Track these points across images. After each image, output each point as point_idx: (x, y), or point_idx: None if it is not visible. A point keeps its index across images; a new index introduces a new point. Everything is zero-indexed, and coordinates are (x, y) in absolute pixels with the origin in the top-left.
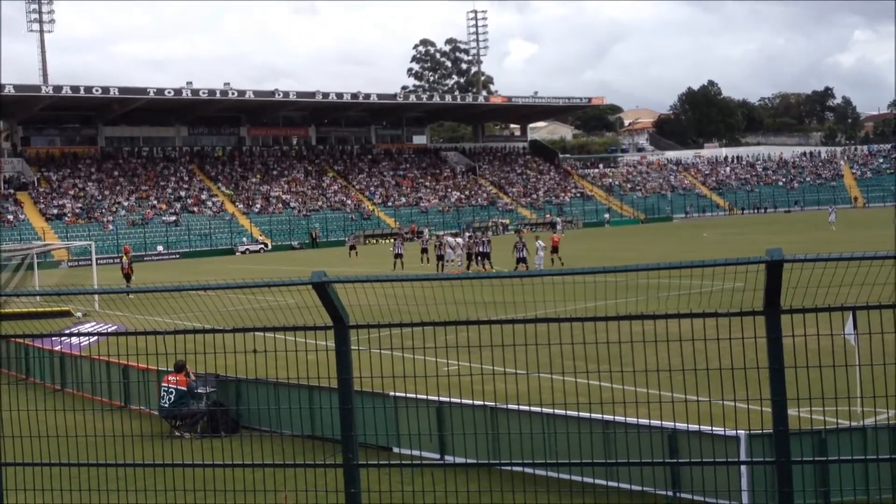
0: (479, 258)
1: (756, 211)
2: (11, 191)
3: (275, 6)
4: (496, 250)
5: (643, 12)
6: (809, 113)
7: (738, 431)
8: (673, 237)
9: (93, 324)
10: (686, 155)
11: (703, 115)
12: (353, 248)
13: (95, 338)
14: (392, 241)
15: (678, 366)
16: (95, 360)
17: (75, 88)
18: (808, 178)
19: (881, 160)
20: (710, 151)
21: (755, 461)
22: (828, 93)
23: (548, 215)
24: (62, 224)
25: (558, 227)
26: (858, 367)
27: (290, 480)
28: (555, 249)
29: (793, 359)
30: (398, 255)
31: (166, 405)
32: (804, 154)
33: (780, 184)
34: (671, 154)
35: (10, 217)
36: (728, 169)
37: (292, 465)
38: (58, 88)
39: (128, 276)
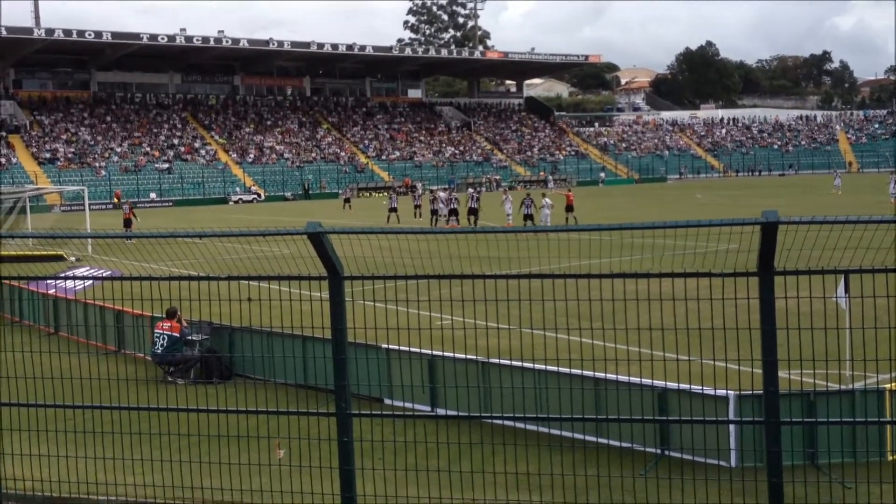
0: (469, 214)
1: (750, 174)
2: (3, 133)
3: None
4: (487, 206)
5: None
6: (806, 76)
7: (728, 391)
8: (667, 198)
9: (87, 268)
10: (682, 116)
11: (700, 75)
12: (347, 200)
13: (89, 282)
14: (386, 194)
15: (670, 325)
16: (89, 304)
17: (67, 32)
18: (803, 142)
19: (877, 125)
20: (707, 113)
21: (744, 420)
22: (825, 56)
23: (542, 173)
24: (54, 168)
25: (549, 184)
26: (849, 331)
27: (282, 428)
28: (569, 208)
29: (784, 321)
30: (392, 209)
31: (159, 351)
32: (800, 117)
33: (776, 147)
34: (667, 114)
35: (3, 160)
36: (724, 131)
37: (285, 412)
38: (50, 31)
39: (128, 222)
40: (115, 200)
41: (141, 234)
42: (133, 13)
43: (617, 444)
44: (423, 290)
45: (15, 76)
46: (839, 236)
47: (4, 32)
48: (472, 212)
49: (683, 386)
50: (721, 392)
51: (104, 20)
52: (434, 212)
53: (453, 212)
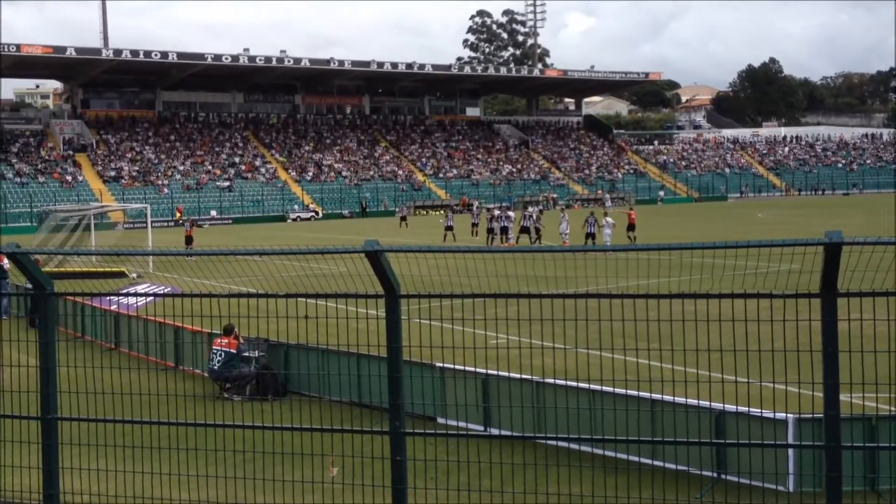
0: (521, 233)
1: (813, 192)
2: (70, 152)
3: None
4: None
5: None
6: (872, 93)
7: (787, 414)
8: (727, 217)
9: (147, 285)
10: (744, 133)
11: (762, 93)
12: (403, 218)
13: (150, 298)
14: (443, 212)
15: (729, 346)
16: (149, 320)
17: (135, 52)
18: (868, 161)
19: None
20: (769, 130)
21: (803, 444)
22: (892, 73)
23: (599, 191)
24: (119, 186)
25: (607, 203)
26: None
27: (336, 445)
28: (631, 227)
29: (846, 343)
30: (449, 228)
31: (215, 367)
32: (865, 135)
33: (840, 165)
34: (728, 132)
35: (69, 178)
36: (786, 149)
37: (339, 430)
38: (118, 52)
39: (189, 239)
40: (177, 216)
41: (201, 251)
42: (196, 34)
43: (672, 466)
44: (479, 308)
45: (83, 96)
46: None
47: (74, 53)
48: (525, 230)
49: (741, 408)
50: (780, 415)
51: (167, 40)
52: (490, 230)
53: (504, 230)
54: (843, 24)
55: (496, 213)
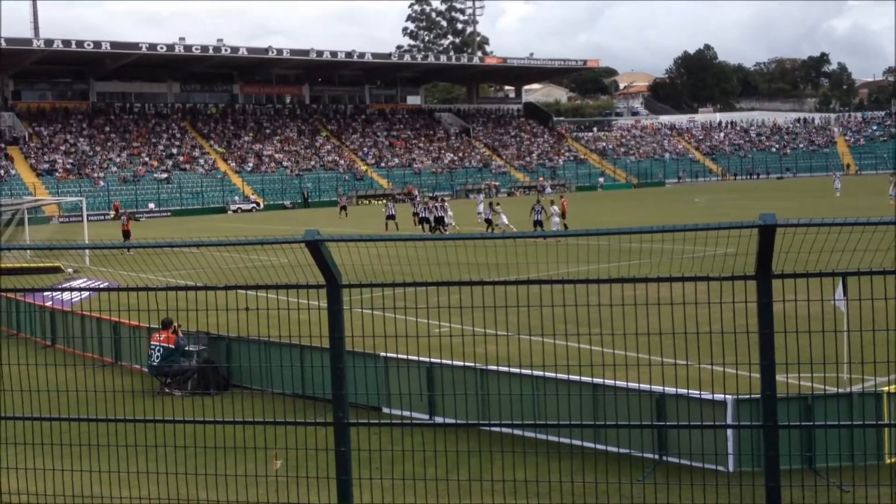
0: (435, 222)
1: (749, 177)
2: (2, 145)
3: None
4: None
5: None
6: (804, 79)
7: (726, 396)
8: (666, 202)
9: (84, 280)
10: (680, 119)
11: (698, 79)
12: (343, 208)
13: (86, 293)
14: (384, 202)
15: (668, 330)
16: (86, 316)
17: (67, 42)
18: (801, 145)
19: (875, 128)
20: (705, 116)
21: (742, 425)
22: (823, 59)
23: (540, 178)
24: (53, 179)
25: (546, 190)
26: (847, 334)
27: (280, 438)
28: (562, 215)
29: (782, 324)
30: (390, 217)
31: (154, 363)
32: (798, 120)
33: (774, 150)
34: (665, 118)
35: (1, 172)
36: (722, 134)
37: (283, 422)
38: (49, 42)
39: (126, 234)
40: (114, 212)
41: (138, 244)
42: (132, 23)
43: (615, 449)
44: (421, 297)
45: (14, 87)
46: (837, 239)
47: (3, 44)
48: (439, 220)
49: (681, 391)
50: (719, 396)
51: (102, 30)
52: (424, 219)
53: (439, 220)
54: (774, 10)
55: (429, 203)
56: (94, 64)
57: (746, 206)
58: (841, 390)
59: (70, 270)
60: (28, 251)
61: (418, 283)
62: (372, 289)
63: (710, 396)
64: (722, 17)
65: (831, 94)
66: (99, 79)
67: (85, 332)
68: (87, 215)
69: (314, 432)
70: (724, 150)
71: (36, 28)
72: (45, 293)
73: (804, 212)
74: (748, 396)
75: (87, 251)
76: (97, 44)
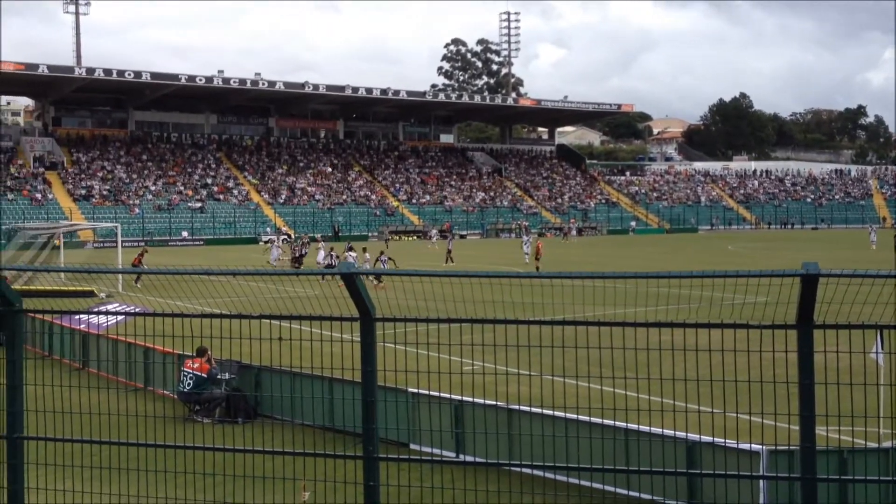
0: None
1: (783, 226)
2: (41, 170)
3: (299, 4)
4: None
5: (670, 22)
6: (841, 130)
7: (760, 446)
8: (699, 249)
9: (116, 305)
10: (714, 167)
11: (733, 127)
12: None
13: (119, 318)
14: (431, 237)
15: (704, 376)
16: (118, 340)
17: (108, 71)
18: (836, 196)
19: None
20: (739, 164)
21: (779, 476)
22: (860, 111)
23: (572, 220)
24: (89, 205)
25: (573, 232)
26: (881, 387)
27: (308, 470)
28: (536, 256)
29: (821, 375)
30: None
31: (184, 390)
32: (834, 171)
33: (809, 200)
34: (699, 165)
35: (39, 196)
36: (756, 183)
37: (312, 454)
38: (90, 70)
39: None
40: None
41: (176, 270)
42: (167, 55)
43: (646, 496)
44: (454, 334)
45: (55, 114)
46: (870, 291)
47: (46, 71)
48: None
49: (716, 440)
50: (753, 446)
51: (136, 62)
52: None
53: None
54: (808, 62)
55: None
56: (133, 93)
57: (781, 255)
58: (877, 445)
59: (103, 295)
60: (63, 274)
61: (452, 320)
62: (404, 324)
63: (744, 446)
64: (755, 66)
65: (868, 146)
66: (138, 108)
67: (116, 355)
68: (122, 241)
69: (342, 465)
70: (758, 198)
71: (78, 57)
72: (79, 316)
73: (840, 263)
74: (784, 448)
75: (120, 276)
76: (137, 73)
